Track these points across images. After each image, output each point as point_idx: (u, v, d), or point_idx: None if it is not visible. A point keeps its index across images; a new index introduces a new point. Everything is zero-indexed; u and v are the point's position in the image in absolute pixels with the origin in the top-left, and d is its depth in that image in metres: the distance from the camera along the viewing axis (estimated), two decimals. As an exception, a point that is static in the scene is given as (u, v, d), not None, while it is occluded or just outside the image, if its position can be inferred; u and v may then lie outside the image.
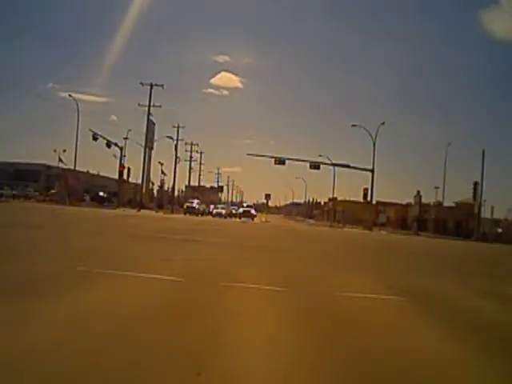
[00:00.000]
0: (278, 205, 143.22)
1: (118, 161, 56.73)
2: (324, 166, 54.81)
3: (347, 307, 5.60)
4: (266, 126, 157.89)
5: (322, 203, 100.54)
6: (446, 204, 56.09)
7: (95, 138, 51.42)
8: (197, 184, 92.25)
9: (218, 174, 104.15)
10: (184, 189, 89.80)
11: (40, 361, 2.95)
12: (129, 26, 79.62)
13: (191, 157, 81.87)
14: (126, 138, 59.76)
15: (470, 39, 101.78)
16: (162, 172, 73.29)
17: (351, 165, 52.94)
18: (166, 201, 66.45)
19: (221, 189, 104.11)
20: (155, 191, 78.06)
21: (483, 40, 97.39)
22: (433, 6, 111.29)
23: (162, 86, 57.83)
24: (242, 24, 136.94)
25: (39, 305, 4.30)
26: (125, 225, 19.70)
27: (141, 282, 6.07)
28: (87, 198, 56.57)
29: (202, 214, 54.95)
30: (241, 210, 62.91)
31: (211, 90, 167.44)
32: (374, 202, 50.86)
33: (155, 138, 61.44)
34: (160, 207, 59.02)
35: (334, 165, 56.25)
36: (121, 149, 56.47)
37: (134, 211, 44.70)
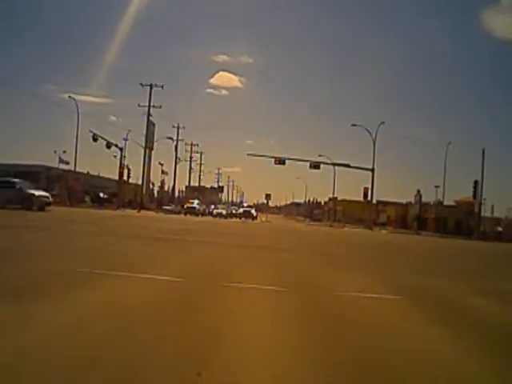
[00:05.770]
0: (278, 205, 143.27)
1: (118, 162, 56.80)
2: (324, 165, 54.87)
3: (348, 307, 5.60)
4: (265, 126, 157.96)
5: (323, 203, 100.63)
6: (446, 203, 56.13)
7: (95, 139, 51.46)
8: (197, 184, 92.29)
9: (219, 174, 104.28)
10: (184, 189, 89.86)
11: (40, 360, 2.95)
12: (128, 26, 79.65)
13: (191, 157, 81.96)
14: (125, 139, 59.86)
15: (471, 38, 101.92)
16: (163, 171, 73.34)
17: (351, 164, 52.99)
18: (167, 201, 66.46)
19: (221, 189, 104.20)
20: (155, 192, 78.10)
21: (484, 39, 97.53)
22: (433, 6, 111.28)
23: (162, 86, 57.93)
24: (240, 23, 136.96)
25: (39, 306, 4.29)
26: (125, 225, 19.70)
27: (141, 283, 6.07)
28: (87, 198, 56.60)
29: (202, 215, 54.98)
30: (241, 210, 62.98)
31: (211, 90, 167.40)
32: (374, 201, 50.91)
33: (155, 138, 61.52)
34: (160, 208, 59.03)
35: (334, 164, 56.31)
36: (121, 149, 56.53)
37: (134, 212, 44.73)
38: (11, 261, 7.00)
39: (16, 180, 28.05)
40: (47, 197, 27.88)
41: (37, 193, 27.21)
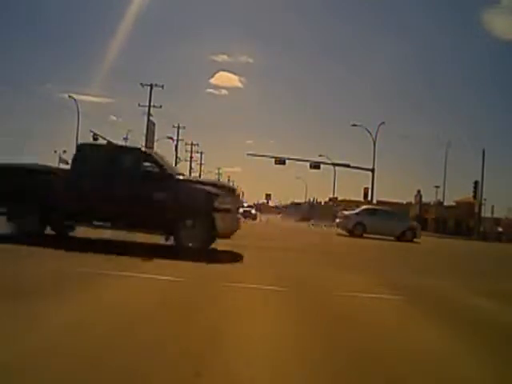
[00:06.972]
0: (278, 205, 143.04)
1: (118, 161, 56.73)
2: (324, 165, 54.82)
3: (348, 307, 5.60)
4: (266, 126, 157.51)
5: (323, 203, 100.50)
6: (446, 203, 56.14)
7: (95, 139, 51.44)
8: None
9: (219, 174, 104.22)
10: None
11: (40, 360, 2.95)
12: (128, 26, 79.51)
13: (191, 157, 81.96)
14: (126, 139, 59.80)
15: (471, 38, 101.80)
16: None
17: (351, 164, 52.94)
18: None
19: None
20: (155, 192, 77.91)
21: (484, 39, 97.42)
22: (433, 5, 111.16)
23: (162, 86, 57.81)
24: (240, 23, 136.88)
25: (42, 305, 4.30)
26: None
27: (141, 283, 6.07)
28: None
29: (202, 215, 54.76)
30: (241, 210, 62.82)
31: (211, 90, 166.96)
32: (374, 201, 50.84)
33: (155, 138, 61.47)
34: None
35: (335, 164, 56.26)
36: (121, 149, 56.45)
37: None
38: (14, 260, 6.99)
39: (393, 211, 28.84)
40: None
41: (415, 224, 27.74)
